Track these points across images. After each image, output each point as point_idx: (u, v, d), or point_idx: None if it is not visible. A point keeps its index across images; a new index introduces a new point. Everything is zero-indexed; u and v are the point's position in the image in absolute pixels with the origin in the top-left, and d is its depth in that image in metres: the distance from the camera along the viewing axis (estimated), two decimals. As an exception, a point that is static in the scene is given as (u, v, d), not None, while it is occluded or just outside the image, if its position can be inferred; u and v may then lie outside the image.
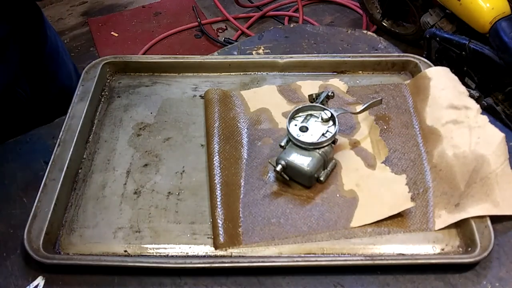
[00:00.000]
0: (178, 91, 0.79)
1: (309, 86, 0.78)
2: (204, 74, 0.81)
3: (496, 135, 0.65)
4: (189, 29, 2.44)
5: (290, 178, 0.64)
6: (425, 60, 0.80)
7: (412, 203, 0.61)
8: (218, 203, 0.62)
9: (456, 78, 0.74)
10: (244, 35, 2.37)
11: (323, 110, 0.66)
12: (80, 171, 0.68)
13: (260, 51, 0.86)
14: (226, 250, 0.59)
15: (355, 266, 0.57)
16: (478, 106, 0.69)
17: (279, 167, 0.62)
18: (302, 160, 0.62)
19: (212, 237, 0.60)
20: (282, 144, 0.65)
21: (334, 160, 0.66)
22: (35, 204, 0.61)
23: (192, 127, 0.73)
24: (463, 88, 0.72)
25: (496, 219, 0.60)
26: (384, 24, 2.25)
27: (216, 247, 0.59)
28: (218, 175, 0.65)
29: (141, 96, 0.78)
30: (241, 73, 0.81)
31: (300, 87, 0.78)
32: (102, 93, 0.79)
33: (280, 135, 0.70)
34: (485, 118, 0.67)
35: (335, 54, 0.82)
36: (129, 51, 2.28)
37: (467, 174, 0.62)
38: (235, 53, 0.86)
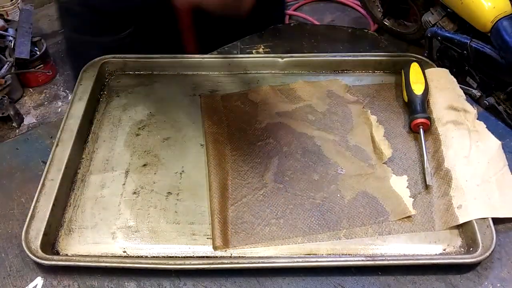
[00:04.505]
0: (178, 90, 0.78)
1: (309, 86, 0.77)
2: (203, 73, 0.81)
3: (493, 141, 0.66)
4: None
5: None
6: (426, 59, 0.79)
7: (414, 211, 0.61)
8: (217, 203, 0.62)
9: (454, 80, 0.75)
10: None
11: None
12: (78, 171, 0.68)
13: (260, 50, 0.86)
14: (225, 251, 0.58)
15: (356, 266, 0.57)
16: (475, 111, 0.70)
17: None
18: None
19: (211, 237, 0.59)
20: None
21: None
22: (33, 204, 0.61)
23: (192, 126, 0.73)
24: (461, 91, 0.73)
25: (497, 219, 0.59)
26: (385, 23, 2.25)
27: (215, 248, 0.58)
28: (218, 175, 0.65)
29: (140, 95, 0.78)
30: (241, 73, 0.80)
31: (300, 87, 0.77)
32: (101, 93, 0.78)
33: (280, 134, 0.70)
34: (482, 124, 0.69)
35: (335, 53, 0.82)
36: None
37: (468, 176, 0.62)
38: (235, 52, 0.86)
